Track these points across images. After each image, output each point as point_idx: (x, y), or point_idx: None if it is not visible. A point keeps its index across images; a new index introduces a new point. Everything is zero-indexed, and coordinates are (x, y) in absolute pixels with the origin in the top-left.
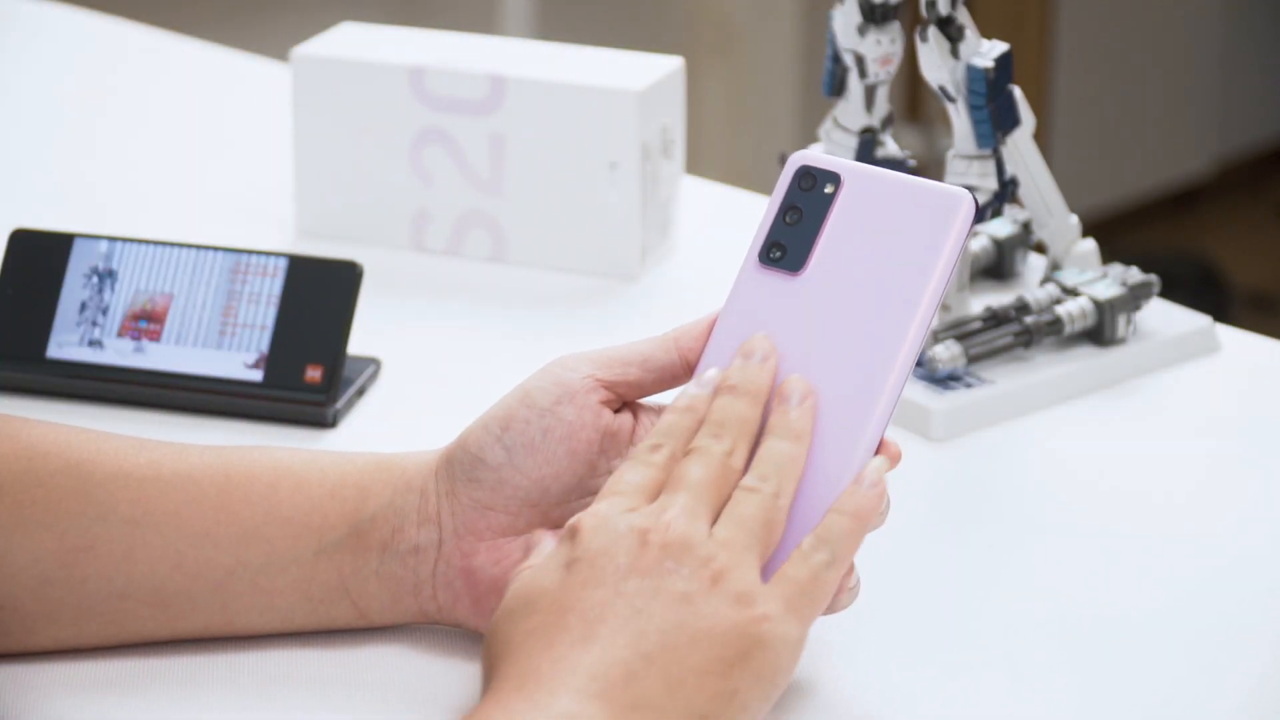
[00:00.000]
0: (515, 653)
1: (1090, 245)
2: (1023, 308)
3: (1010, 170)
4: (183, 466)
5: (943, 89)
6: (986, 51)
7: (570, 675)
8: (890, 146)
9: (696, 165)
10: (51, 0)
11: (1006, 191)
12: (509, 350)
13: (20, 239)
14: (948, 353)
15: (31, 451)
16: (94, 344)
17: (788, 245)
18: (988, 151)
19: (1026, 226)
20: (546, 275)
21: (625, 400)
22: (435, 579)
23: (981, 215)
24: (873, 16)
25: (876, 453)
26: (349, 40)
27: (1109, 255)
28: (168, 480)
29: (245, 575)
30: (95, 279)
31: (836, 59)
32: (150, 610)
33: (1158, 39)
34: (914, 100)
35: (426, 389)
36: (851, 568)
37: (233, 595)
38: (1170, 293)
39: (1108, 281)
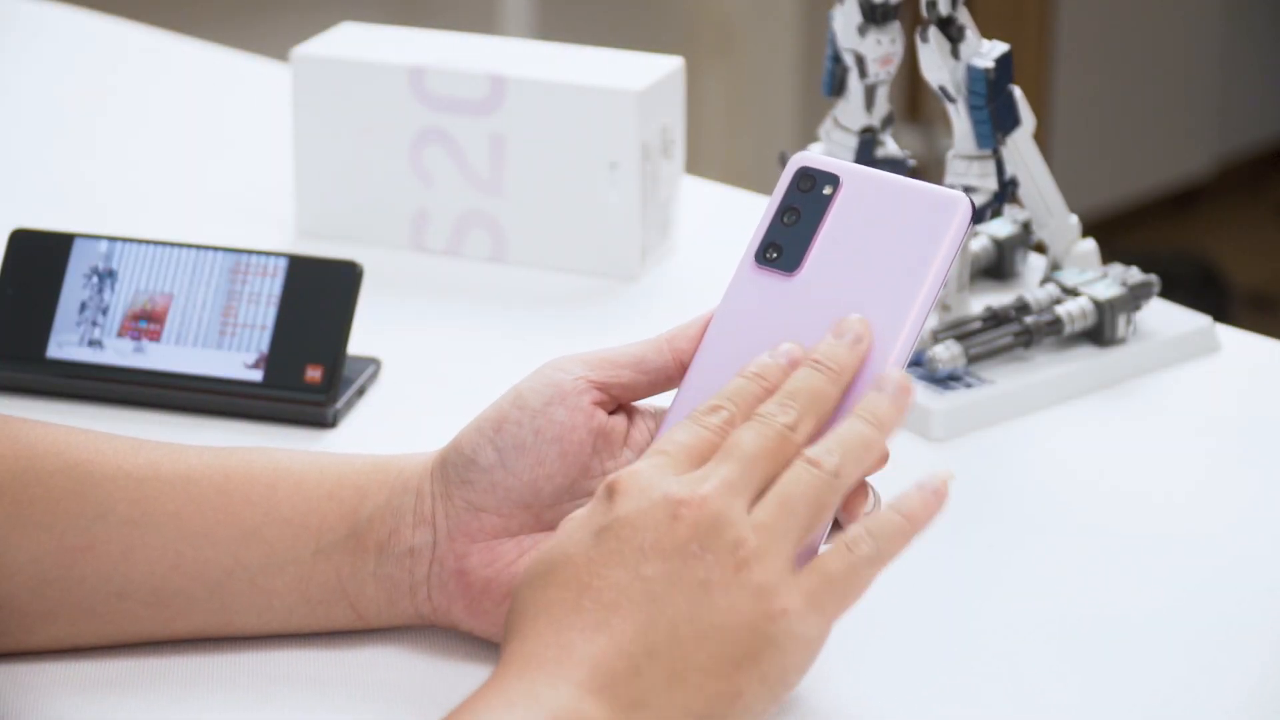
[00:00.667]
0: (528, 627)
1: (1090, 245)
2: (1023, 308)
3: (1010, 170)
4: (182, 467)
5: (943, 89)
6: (987, 52)
7: (574, 667)
8: (890, 146)
9: (696, 165)
10: (51, 0)
11: (1006, 192)
12: (509, 350)
13: (20, 239)
14: (948, 353)
15: (30, 452)
16: (94, 344)
17: (784, 246)
18: (988, 152)
19: (1026, 226)
20: (546, 275)
21: (619, 402)
22: (430, 581)
23: (981, 215)
24: (873, 16)
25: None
26: (349, 40)
27: (1109, 255)
28: (166, 481)
29: (244, 576)
30: (95, 279)
31: (836, 59)
32: (149, 610)
33: (1157, 39)
34: (914, 100)
35: (426, 389)
36: None
37: (231, 595)
38: (1170, 293)
39: (1108, 281)
